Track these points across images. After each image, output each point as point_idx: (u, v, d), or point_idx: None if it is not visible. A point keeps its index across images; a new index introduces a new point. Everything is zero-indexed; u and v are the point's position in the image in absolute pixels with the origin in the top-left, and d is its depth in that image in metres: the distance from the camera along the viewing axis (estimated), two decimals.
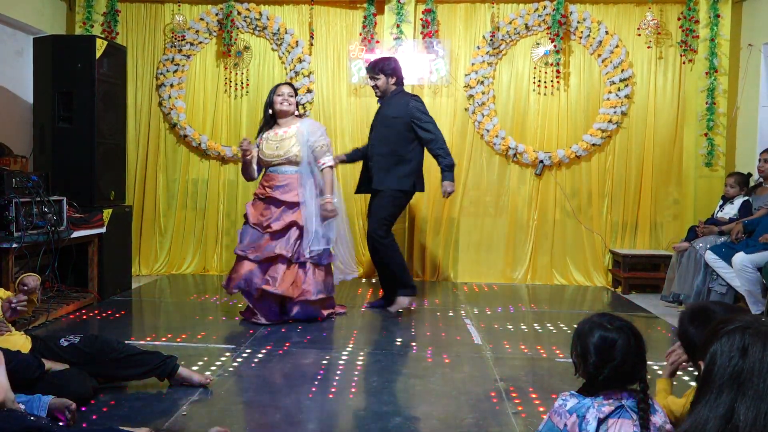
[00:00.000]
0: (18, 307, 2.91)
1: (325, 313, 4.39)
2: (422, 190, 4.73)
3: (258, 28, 6.14)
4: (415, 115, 4.48)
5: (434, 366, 3.41)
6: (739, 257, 4.34)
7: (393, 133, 4.52)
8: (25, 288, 2.94)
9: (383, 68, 4.54)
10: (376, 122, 4.68)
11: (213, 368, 3.27)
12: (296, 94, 4.45)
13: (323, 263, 4.30)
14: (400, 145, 4.51)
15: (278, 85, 4.46)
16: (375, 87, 4.60)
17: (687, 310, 2.15)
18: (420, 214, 6.16)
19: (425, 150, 4.61)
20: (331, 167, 4.37)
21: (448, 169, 4.51)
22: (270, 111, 4.38)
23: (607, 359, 1.79)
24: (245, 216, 4.41)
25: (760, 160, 4.94)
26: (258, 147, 4.39)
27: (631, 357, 1.79)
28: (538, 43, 6.03)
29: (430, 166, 4.90)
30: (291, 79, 6.04)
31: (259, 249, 4.22)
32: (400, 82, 4.61)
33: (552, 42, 5.88)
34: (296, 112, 4.42)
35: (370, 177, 4.62)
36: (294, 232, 4.23)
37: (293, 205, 4.26)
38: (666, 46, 5.99)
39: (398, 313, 4.57)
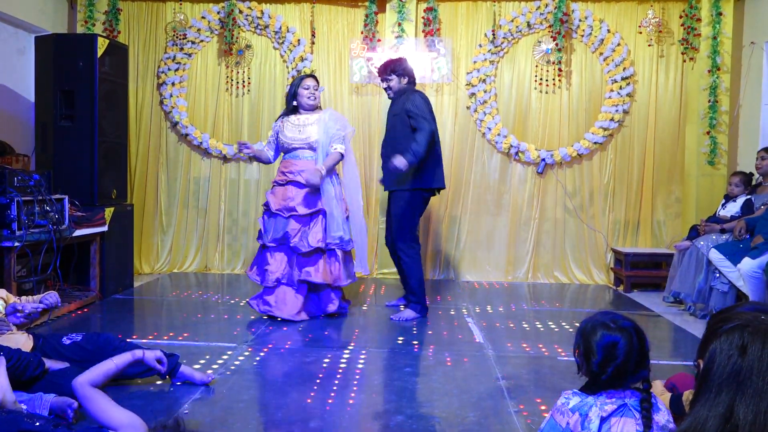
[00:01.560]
0: (23, 319, 2.94)
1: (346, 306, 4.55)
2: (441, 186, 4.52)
3: (259, 27, 6.13)
4: (408, 109, 4.29)
5: (436, 364, 3.42)
6: (747, 264, 4.30)
7: (392, 133, 4.42)
8: (42, 306, 2.97)
9: (395, 69, 4.47)
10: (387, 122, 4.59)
11: (215, 366, 3.28)
12: (319, 86, 4.49)
13: (347, 249, 4.41)
14: (400, 143, 4.31)
15: (303, 78, 4.47)
16: (388, 89, 4.51)
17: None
18: None
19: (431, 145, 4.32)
20: (340, 153, 4.36)
21: (406, 159, 4.15)
22: (294, 102, 4.43)
23: (611, 358, 1.78)
24: (266, 205, 4.42)
25: (758, 157, 4.94)
26: (278, 130, 4.44)
27: (635, 356, 1.79)
28: (539, 42, 6.02)
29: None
30: (292, 78, 6.04)
31: (292, 239, 4.25)
32: (412, 81, 4.53)
33: (554, 40, 5.87)
34: (319, 105, 4.51)
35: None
36: (321, 220, 4.32)
37: (315, 191, 4.32)
38: (668, 44, 5.98)
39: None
